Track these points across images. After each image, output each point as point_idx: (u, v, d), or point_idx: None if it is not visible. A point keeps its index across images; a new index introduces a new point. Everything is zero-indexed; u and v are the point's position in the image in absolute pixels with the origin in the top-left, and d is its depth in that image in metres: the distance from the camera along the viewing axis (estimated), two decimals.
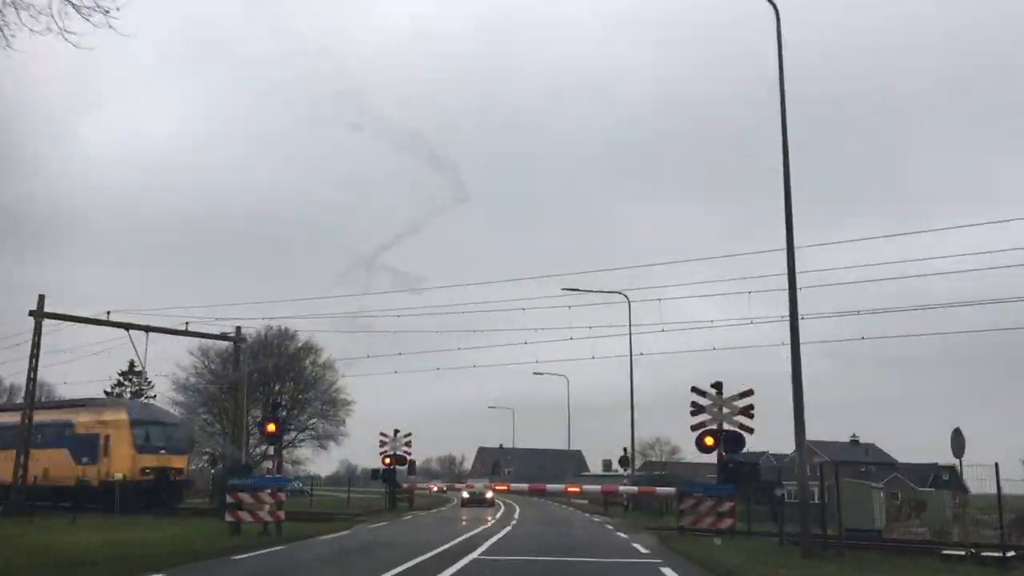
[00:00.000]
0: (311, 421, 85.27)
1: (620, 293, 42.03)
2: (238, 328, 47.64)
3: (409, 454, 42.25)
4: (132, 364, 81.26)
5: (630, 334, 39.86)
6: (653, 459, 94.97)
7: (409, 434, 42.63)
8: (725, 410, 21.34)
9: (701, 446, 21.24)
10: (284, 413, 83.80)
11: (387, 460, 41.51)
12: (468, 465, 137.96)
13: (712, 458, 22.73)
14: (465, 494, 50.71)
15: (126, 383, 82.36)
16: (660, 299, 32.84)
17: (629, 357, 40.34)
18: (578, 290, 38.34)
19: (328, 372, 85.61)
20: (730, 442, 21.09)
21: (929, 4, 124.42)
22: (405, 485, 45.45)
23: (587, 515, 41.71)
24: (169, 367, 63.49)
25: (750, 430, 21.35)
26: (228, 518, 20.70)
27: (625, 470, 46.53)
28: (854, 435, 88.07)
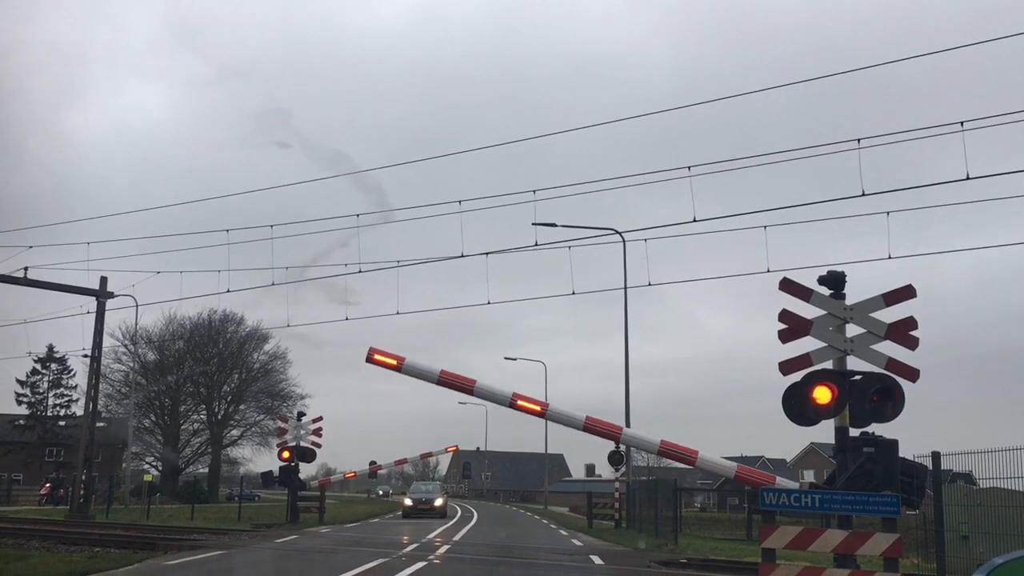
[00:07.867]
0: (259, 418, 73.96)
1: (613, 231, 31.63)
2: (103, 279, 35.83)
3: (319, 445, 30.20)
4: (51, 349, 69.63)
5: (625, 275, 30.46)
6: (638, 463, 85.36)
7: (319, 418, 30.72)
8: (857, 329, 9.72)
9: (801, 407, 9.50)
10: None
11: (286, 454, 29.53)
12: (443, 468, 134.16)
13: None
14: (408, 501, 40.11)
15: (43, 371, 70.19)
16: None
17: (624, 304, 31.51)
18: (554, 224, 29.32)
19: (278, 362, 74.97)
20: (871, 396, 9.41)
21: None
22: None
23: (565, 533, 29.94)
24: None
25: (911, 374, 9.69)
26: None
27: (618, 471, 34.69)
28: None
